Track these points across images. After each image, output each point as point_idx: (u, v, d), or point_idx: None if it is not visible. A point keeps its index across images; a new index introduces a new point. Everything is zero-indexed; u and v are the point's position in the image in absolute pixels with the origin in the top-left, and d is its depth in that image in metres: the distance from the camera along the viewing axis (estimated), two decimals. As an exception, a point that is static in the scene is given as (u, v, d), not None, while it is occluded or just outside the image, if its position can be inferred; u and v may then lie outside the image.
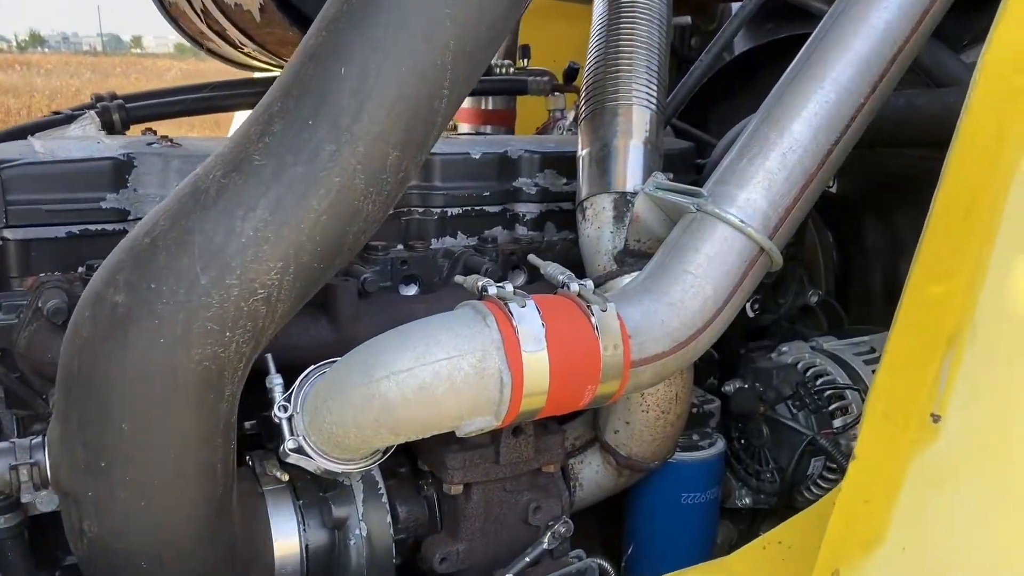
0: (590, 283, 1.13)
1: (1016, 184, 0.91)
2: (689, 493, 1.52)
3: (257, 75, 2.01)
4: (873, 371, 1.59)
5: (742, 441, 1.64)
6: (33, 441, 1.03)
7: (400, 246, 1.55)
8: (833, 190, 1.91)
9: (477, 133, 2.43)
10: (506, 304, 1.05)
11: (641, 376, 1.13)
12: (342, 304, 1.34)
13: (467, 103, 2.44)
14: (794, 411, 1.55)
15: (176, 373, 0.96)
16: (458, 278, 1.19)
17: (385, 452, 1.17)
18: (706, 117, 2.30)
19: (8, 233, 1.24)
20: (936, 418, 0.91)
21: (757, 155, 1.20)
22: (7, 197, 1.23)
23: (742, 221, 1.17)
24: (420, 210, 1.58)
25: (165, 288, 0.94)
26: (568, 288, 1.13)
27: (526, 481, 1.30)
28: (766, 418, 1.57)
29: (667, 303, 1.14)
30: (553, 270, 1.18)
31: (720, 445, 1.56)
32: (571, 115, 2.19)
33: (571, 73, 2.17)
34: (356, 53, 0.97)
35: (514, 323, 1.04)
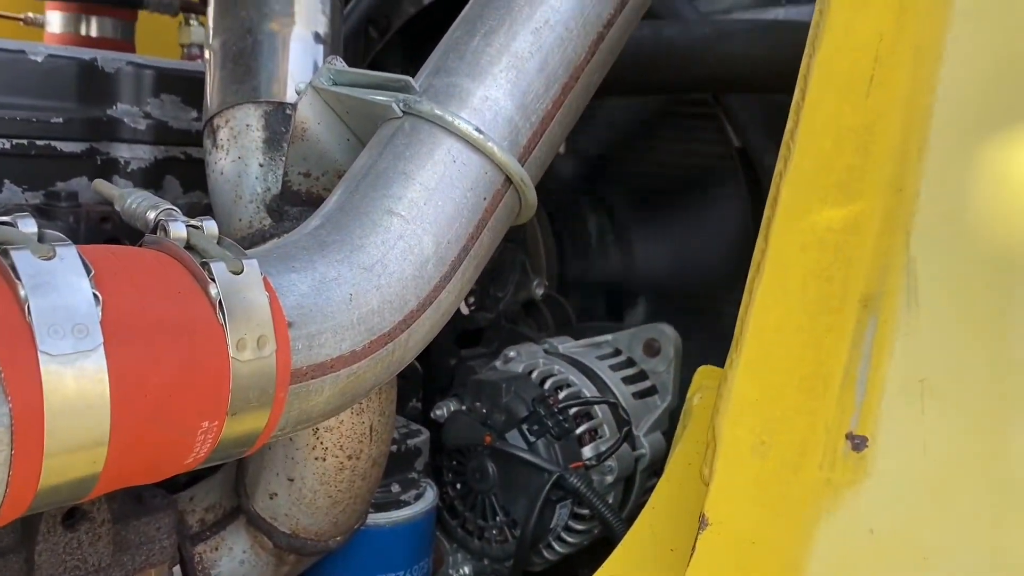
0: (212, 223, 0.59)
1: (956, 16, 0.53)
2: (388, 574, 1.02)
3: None
4: (624, 379, 1.21)
5: (458, 486, 1.17)
6: None
7: None
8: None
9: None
10: (6, 254, 0.48)
11: (312, 398, 0.61)
12: None
13: (59, 25, 1.72)
14: (531, 439, 1.11)
15: None
16: (-80, 213, 0.58)
17: None
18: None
19: None
20: (857, 442, 0.50)
21: (497, 30, 0.74)
22: None
23: (478, 130, 0.70)
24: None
25: None
26: (165, 233, 0.58)
27: (100, 607, 0.70)
28: (493, 451, 1.12)
29: (359, 266, 0.63)
30: (138, 201, 0.62)
31: (431, 496, 1.08)
32: (213, 51, 1.61)
33: (211, -12, 1.59)
34: None
35: (22, 292, 0.47)
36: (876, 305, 0.51)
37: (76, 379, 0.47)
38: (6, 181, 0.99)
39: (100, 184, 0.70)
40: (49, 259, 0.49)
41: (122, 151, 1.08)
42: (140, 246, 0.59)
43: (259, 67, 0.87)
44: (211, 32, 0.92)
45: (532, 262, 1.49)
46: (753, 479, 0.53)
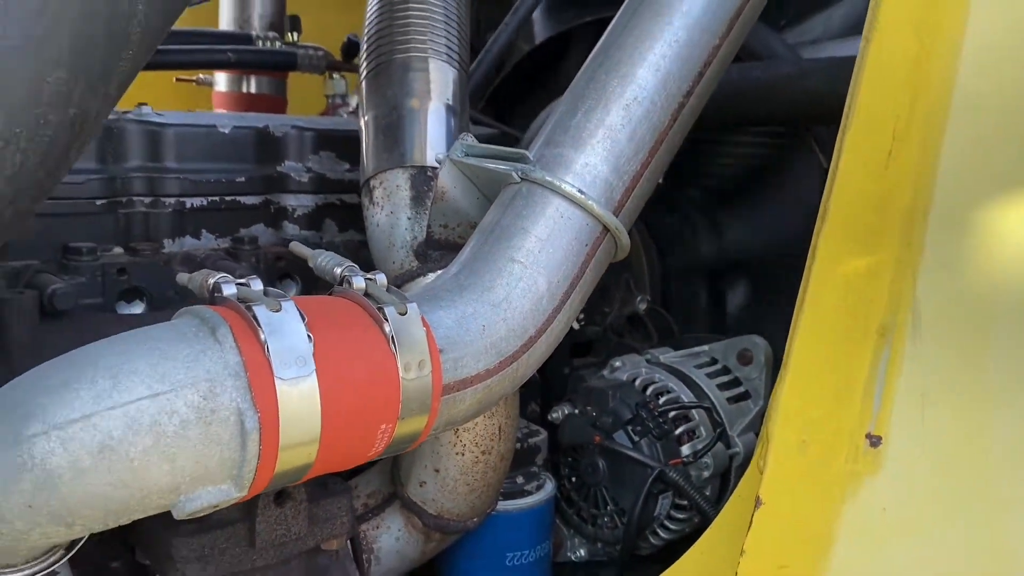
0: (382, 276, 0.79)
1: (956, 105, 0.67)
2: (515, 552, 1.21)
3: None
4: (719, 385, 1.36)
5: (573, 479, 1.35)
6: None
7: (118, 249, 1.14)
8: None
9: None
10: (250, 308, 0.69)
11: (457, 406, 0.80)
12: (14, 327, 0.92)
13: (225, 84, 2.02)
14: (635, 439, 1.28)
15: None
16: (180, 276, 0.81)
17: (70, 548, 0.76)
18: (506, 113, 2.04)
19: None
20: (874, 440, 0.65)
21: (595, 108, 0.91)
22: None
23: (581, 191, 0.88)
24: (147, 200, 1.17)
25: None
26: (349, 284, 0.78)
27: (299, 567, 0.92)
28: (602, 449, 1.29)
29: (489, 303, 0.82)
30: (327, 260, 0.82)
31: (550, 488, 1.26)
32: (354, 101, 1.85)
33: (351, 48, 1.82)
34: None
35: (262, 336, 0.67)
36: (889, 335, 0.66)
37: (298, 396, 0.68)
38: (203, 230, 1.23)
39: (295, 246, 0.91)
40: (277, 312, 0.69)
41: (290, 200, 1.30)
42: (330, 294, 0.80)
43: (404, 137, 1.07)
44: (363, 108, 1.13)
45: (636, 281, 1.65)
46: (796, 469, 0.68)
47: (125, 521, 0.67)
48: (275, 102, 2.00)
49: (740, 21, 0.98)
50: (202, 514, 0.68)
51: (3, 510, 0.63)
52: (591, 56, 0.97)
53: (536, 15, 1.85)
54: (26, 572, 0.73)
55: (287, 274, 1.23)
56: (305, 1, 1.99)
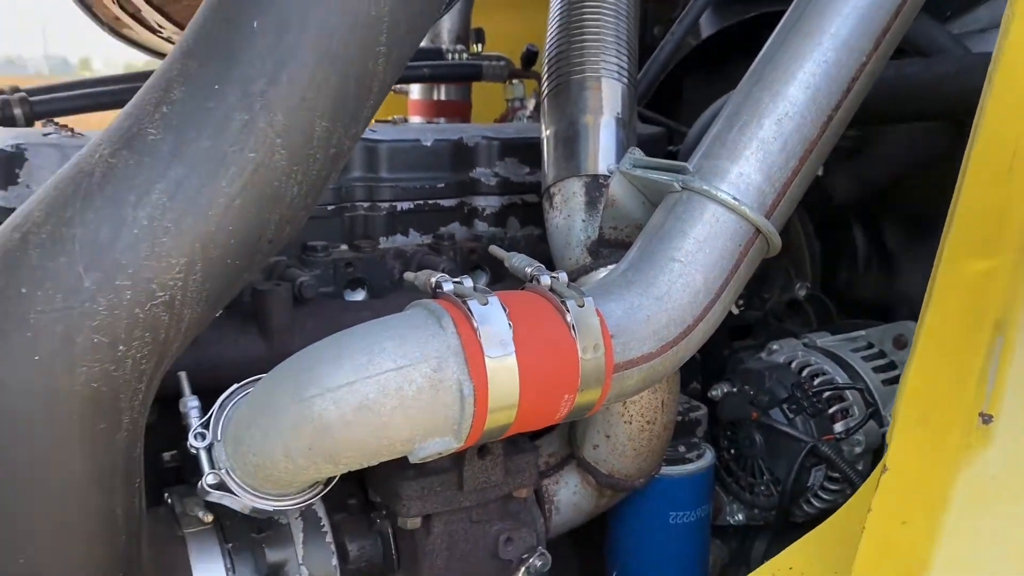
0: (563, 275, 0.97)
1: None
2: (677, 512, 1.36)
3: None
4: (874, 368, 1.44)
5: (732, 451, 1.48)
6: None
7: (344, 246, 1.37)
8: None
9: (430, 128, 2.26)
10: (465, 302, 0.88)
11: (626, 382, 0.96)
12: (273, 312, 1.16)
13: (418, 93, 2.26)
14: (790, 416, 1.39)
15: (57, 399, 0.77)
16: (408, 275, 1.01)
17: (327, 484, 0.99)
18: (673, 107, 2.15)
19: None
20: (987, 419, 0.76)
21: (749, 123, 1.04)
22: None
23: (735, 198, 1.01)
24: (365, 205, 1.40)
25: (40, 294, 0.76)
26: (538, 282, 0.96)
27: (495, 509, 1.12)
28: (759, 425, 1.41)
29: (653, 297, 0.98)
30: (519, 261, 1.01)
31: (709, 457, 1.39)
32: (531, 104, 2.03)
33: (529, 57, 2.01)
34: (271, 1, 0.79)
35: (475, 324, 0.86)
36: (1003, 328, 0.76)
37: (502, 370, 0.86)
38: (411, 229, 1.45)
39: (494, 249, 1.10)
40: (485, 304, 0.88)
41: (480, 201, 1.50)
42: (523, 289, 0.98)
43: (579, 149, 1.24)
44: (545, 123, 1.30)
45: (797, 268, 1.74)
46: (918, 441, 0.80)
47: (375, 462, 0.89)
48: (461, 107, 2.22)
49: (888, 37, 1.07)
50: (430, 460, 0.89)
51: (291, 450, 0.85)
52: (746, 75, 1.09)
53: (702, 10, 1.95)
54: (296, 500, 0.97)
55: (478, 265, 1.43)
56: (487, 14, 2.19)
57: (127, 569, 0.88)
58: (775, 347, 1.50)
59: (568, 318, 0.91)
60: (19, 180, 1.13)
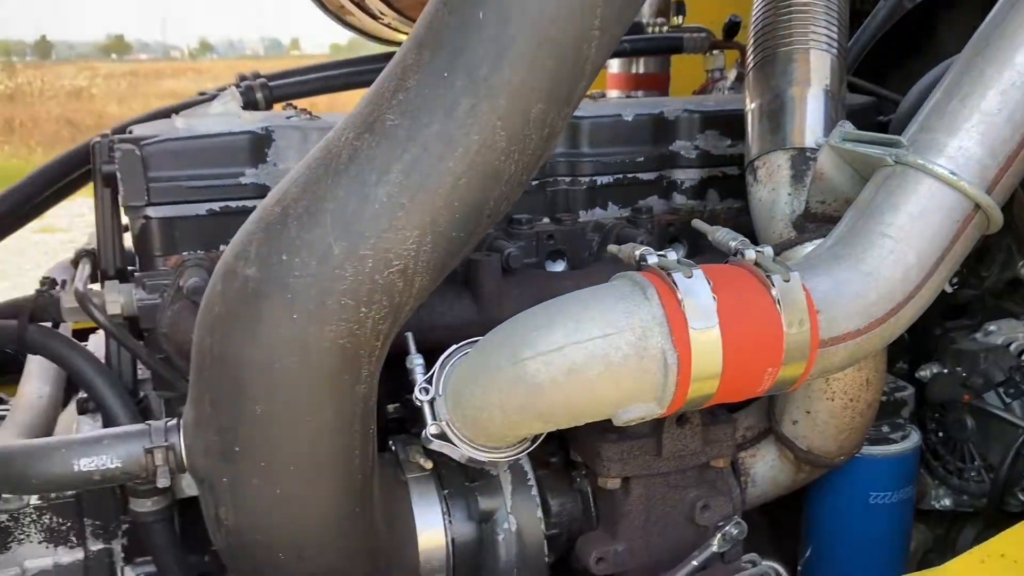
0: (769, 249, 0.98)
1: None
2: (878, 492, 1.33)
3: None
4: (1107, 353, 1.34)
5: (940, 434, 1.43)
6: (169, 423, 0.99)
7: (546, 219, 1.44)
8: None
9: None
10: (669, 275, 0.92)
11: (830, 358, 0.96)
12: (485, 281, 1.24)
13: (616, 67, 2.28)
14: (1007, 400, 1.32)
15: (310, 351, 0.89)
16: (612, 248, 1.06)
17: (534, 440, 1.06)
18: (883, 75, 2.05)
19: (151, 211, 1.21)
20: None
21: (970, 94, 1.00)
22: (148, 174, 1.20)
23: (953, 173, 0.98)
24: (567, 180, 1.46)
25: (297, 260, 0.87)
26: (742, 256, 0.98)
27: (692, 476, 1.16)
28: (971, 408, 1.35)
29: (862, 272, 0.97)
30: (723, 235, 1.03)
31: (915, 438, 1.35)
32: (732, 75, 2.00)
33: (732, 28, 1.98)
34: None
35: (679, 296, 0.90)
36: None
37: (706, 342, 0.90)
38: (609, 202, 1.50)
39: (697, 223, 1.12)
40: (690, 277, 0.91)
41: (679, 174, 1.52)
42: (726, 263, 1.00)
43: (785, 122, 1.23)
44: (749, 95, 1.30)
45: (1019, 245, 1.63)
46: None
47: (580, 422, 0.95)
48: (660, 79, 2.22)
49: None
50: (633, 424, 0.94)
51: (506, 406, 0.93)
52: (969, 44, 1.04)
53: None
54: (508, 453, 1.04)
55: (676, 238, 1.46)
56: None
57: (362, 505, 1.00)
58: (992, 328, 1.43)
59: (773, 292, 0.92)
60: (267, 159, 1.28)
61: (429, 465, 1.12)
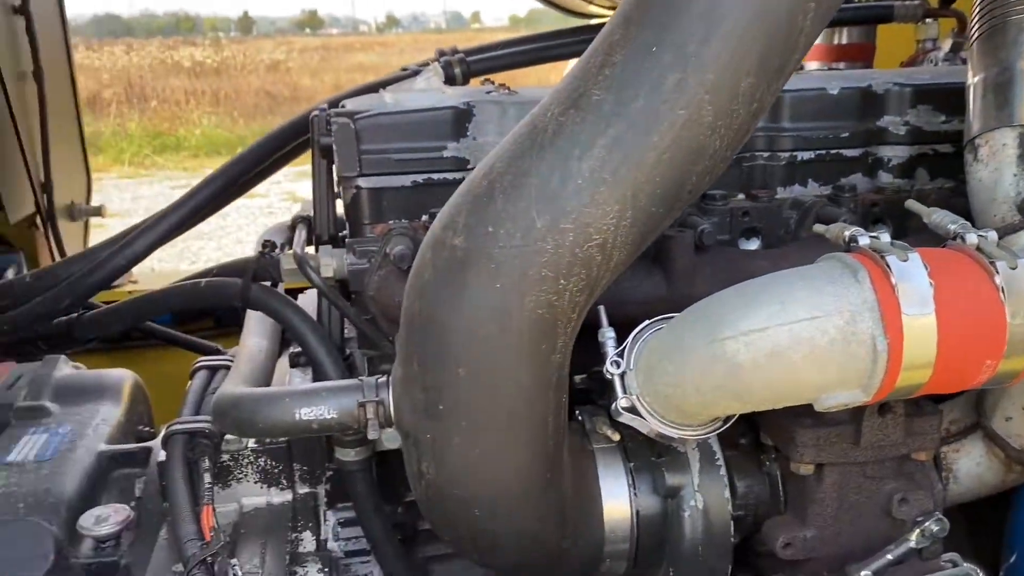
0: (992, 233, 0.92)
1: None
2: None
3: (594, 22, 1.95)
4: None
5: None
6: (379, 380, 1.06)
7: (741, 195, 1.41)
8: None
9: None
10: (882, 257, 0.88)
11: (1060, 354, 0.89)
12: (677, 257, 1.24)
13: (818, 37, 2.17)
14: None
15: (511, 320, 0.92)
16: (818, 227, 1.03)
17: (726, 421, 1.05)
18: None
19: (362, 181, 1.29)
20: None
21: None
22: (361, 146, 1.27)
23: None
24: (765, 155, 1.42)
25: (502, 232, 0.90)
26: (962, 240, 0.92)
27: (890, 468, 1.11)
28: None
29: (1098, 261, 0.89)
30: (941, 217, 0.97)
31: None
32: (946, 45, 1.87)
33: (951, -6, 1.84)
34: None
35: (893, 280, 0.86)
36: None
37: (920, 329, 0.85)
38: (809, 179, 1.44)
39: (912, 203, 1.06)
40: (905, 261, 0.87)
41: (885, 152, 1.44)
42: (943, 247, 0.94)
43: (1013, 97, 1.14)
44: (972, 69, 1.21)
45: None
46: None
47: (779, 406, 0.93)
48: (864, 49, 2.10)
49: None
50: (835, 410, 0.91)
51: (701, 385, 0.93)
52: None
53: None
54: (699, 431, 1.04)
55: (879, 219, 1.39)
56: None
57: (553, 471, 1.03)
58: None
59: (997, 280, 0.87)
60: (468, 133, 1.33)
61: (616, 437, 1.13)
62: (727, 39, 0.85)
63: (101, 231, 3.27)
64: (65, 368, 1.69)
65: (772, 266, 1.26)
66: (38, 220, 2.65)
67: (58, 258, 2.64)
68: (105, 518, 1.23)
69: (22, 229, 2.62)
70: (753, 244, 1.38)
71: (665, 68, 0.86)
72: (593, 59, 0.91)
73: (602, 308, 1.09)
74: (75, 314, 1.72)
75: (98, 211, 3.04)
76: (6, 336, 1.72)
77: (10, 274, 2.26)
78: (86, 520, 1.23)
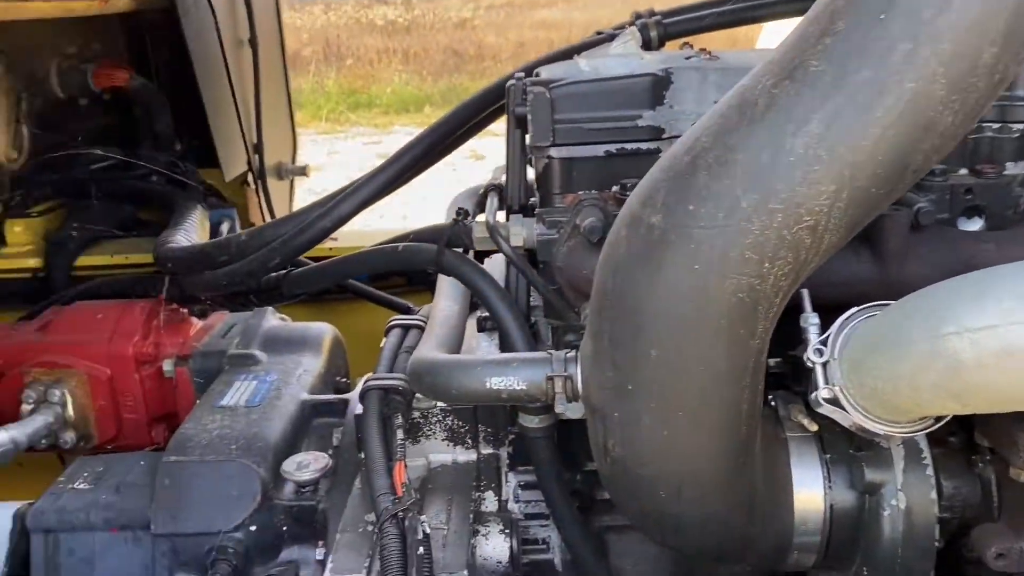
0: None
1: None
2: None
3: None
4: None
5: None
6: (568, 355, 1.06)
7: (963, 171, 1.28)
8: None
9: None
10: None
11: None
12: (890, 238, 1.15)
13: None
14: None
15: (708, 302, 0.89)
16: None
17: (938, 420, 0.97)
18: None
19: (554, 151, 1.28)
20: None
21: None
22: (555, 116, 1.26)
23: None
24: (995, 126, 1.28)
25: (704, 211, 0.87)
26: None
27: None
28: None
29: None
30: None
31: None
32: None
33: None
34: None
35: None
36: None
37: None
38: None
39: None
40: None
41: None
42: None
43: None
44: None
45: None
46: None
47: (1007, 410, 0.85)
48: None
49: None
50: (1074, 419, 0.82)
51: (916, 383, 0.86)
52: None
53: None
54: (907, 429, 0.97)
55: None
56: None
57: (744, 458, 0.99)
58: None
59: None
60: (665, 101, 1.28)
61: (814, 427, 1.08)
62: (969, 4, 0.77)
63: (301, 186, 3.48)
64: (272, 320, 1.82)
65: (997, 249, 1.15)
66: (250, 178, 2.84)
67: (267, 214, 2.83)
68: (306, 464, 1.32)
69: (236, 187, 2.83)
70: (975, 224, 1.26)
71: (895, 37, 0.79)
72: (812, 27, 0.85)
73: (805, 292, 1.03)
74: (284, 271, 1.84)
75: (303, 171, 3.22)
76: (224, 289, 1.87)
77: (224, 228, 2.44)
78: (289, 465, 1.32)
